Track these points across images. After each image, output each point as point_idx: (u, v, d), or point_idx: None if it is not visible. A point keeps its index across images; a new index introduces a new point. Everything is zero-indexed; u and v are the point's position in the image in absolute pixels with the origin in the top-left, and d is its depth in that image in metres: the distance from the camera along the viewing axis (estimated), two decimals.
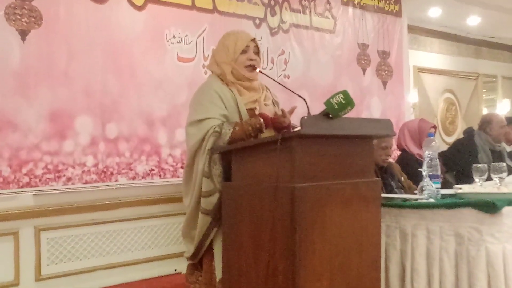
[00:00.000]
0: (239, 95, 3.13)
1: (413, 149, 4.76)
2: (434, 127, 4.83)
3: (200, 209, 2.99)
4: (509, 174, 3.92)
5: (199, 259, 3.12)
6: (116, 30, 4.58)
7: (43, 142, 4.18)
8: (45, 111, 4.19)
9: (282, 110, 3.13)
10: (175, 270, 4.82)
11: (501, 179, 3.54)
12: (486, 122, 5.41)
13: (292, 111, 3.14)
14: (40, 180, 4.16)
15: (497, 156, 5.18)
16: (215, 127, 2.97)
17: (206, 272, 3.06)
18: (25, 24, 4.13)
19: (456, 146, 5.52)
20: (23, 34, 4.12)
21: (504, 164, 3.63)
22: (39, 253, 4.24)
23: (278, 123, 3.11)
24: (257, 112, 3.13)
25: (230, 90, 3.13)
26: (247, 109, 3.12)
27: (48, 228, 4.28)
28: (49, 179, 4.20)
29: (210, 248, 3.04)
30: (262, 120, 3.02)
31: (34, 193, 4.16)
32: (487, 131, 5.33)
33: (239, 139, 2.96)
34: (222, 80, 3.17)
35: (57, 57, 4.27)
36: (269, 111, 3.14)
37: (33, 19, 4.16)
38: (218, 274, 2.98)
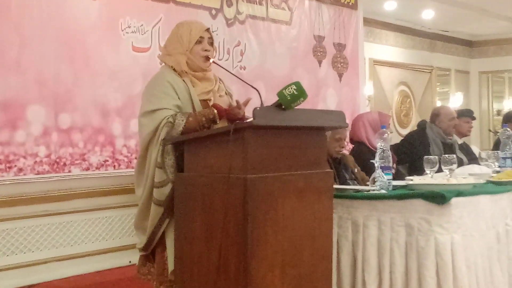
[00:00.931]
0: (192, 86, 3.11)
1: (362, 137, 4.77)
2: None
3: (153, 199, 2.97)
4: (459, 166, 4.01)
5: (152, 251, 3.11)
6: (70, 19, 4.53)
7: None
8: None
9: (237, 102, 3.12)
10: (130, 261, 4.78)
11: (451, 170, 3.61)
12: (435, 115, 5.50)
13: (246, 102, 3.13)
14: None
15: (448, 148, 5.27)
16: (168, 118, 2.95)
17: (159, 263, 3.04)
18: None
19: (409, 139, 5.60)
20: None
21: (454, 156, 3.71)
22: None
23: (232, 114, 3.10)
24: (211, 103, 3.12)
25: (183, 81, 3.11)
26: (200, 100, 3.11)
27: None
28: None
29: (162, 239, 3.03)
30: (215, 111, 3.01)
31: None
32: (436, 123, 5.42)
33: (193, 129, 2.94)
34: (175, 71, 3.15)
35: (7, 45, 4.19)
36: (223, 102, 3.13)
37: None
38: (171, 266, 2.97)
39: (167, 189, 2.94)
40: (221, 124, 3.08)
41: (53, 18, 4.42)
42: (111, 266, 4.77)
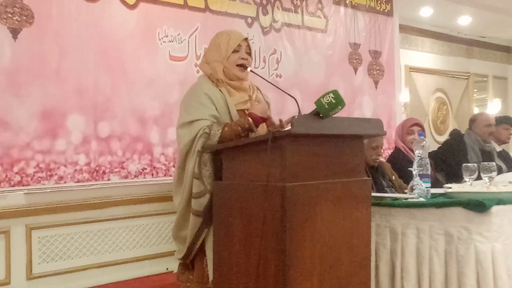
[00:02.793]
0: (229, 96, 3.13)
1: (398, 143, 4.82)
2: (417, 124, 4.85)
3: (191, 210, 2.99)
4: (498, 174, 3.95)
5: (191, 259, 3.13)
6: (108, 29, 4.59)
7: (35, 140, 4.18)
8: (36, 110, 4.19)
9: (280, 121, 3.10)
10: (167, 269, 4.83)
11: (490, 178, 3.56)
12: (472, 121, 5.47)
13: (288, 121, 3.09)
14: (31, 178, 4.16)
15: (487, 155, 5.20)
16: (204, 128, 2.96)
17: (198, 271, 3.06)
18: (16, 22, 4.13)
19: (446, 146, 5.54)
20: (15, 32, 4.12)
21: (494, 163, 3.65)
22: (30, 252, 4.25)
23: (270, 125, 3.11)
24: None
25: (220, 91, 3.13)
26: (237, 110, 3.12)
27: (40, 226, 4.29)
28: (40, 178, 4.20)
29: (202, 247, 3.04)
30: (251, 120, 3.00)
31: (25, 191, 4.17)
32: (472, 130, 5.37)
33: (228, 139, 2.95)
34: (212, 81, 3.17)
35: (48, 55, 4.27)
36: (259, 110, 3.12)
37: (24, 17, 4.16)
38: (211, 275, 2.98)
39: (204, 199, 2.96)
40: (261, 131, 3.08)
41: (91, 28, 4.49)
42: (148, 273, 4.81)
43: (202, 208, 2.96)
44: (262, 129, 3.12)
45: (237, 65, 3.18)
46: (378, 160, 4.26)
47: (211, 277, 2.98)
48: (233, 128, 2.99)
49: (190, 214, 3.02)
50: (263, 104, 3.18)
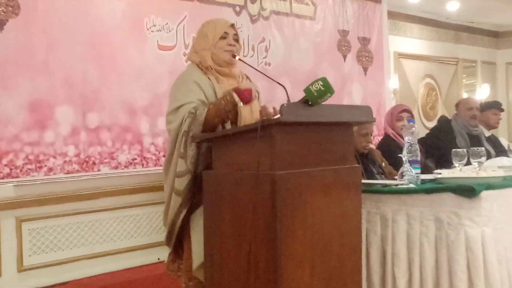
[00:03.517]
0: (217, 83, 3.12)
1: (388, 130, 4.85)
2: (406, 110, 4.87)
3: (174, 189, 3.00)
4: (487, 159, 3.97)
5: (181, 247, 3.13)
6: (96, 19, 4.57)
7: (23, 132, 4.16)
8: (24, 102, 4.17)
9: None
10: (158, 259, 4.83)
11: (480, 163, 3.57)
12: (456, 106, 5.57)
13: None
14: (21, 170, 4.15)
15: (475, 140, 5.22)
16: (190, 110, 2.96)
17: (187, 260, 3.06)
18: (2, 13, 4.10)
19: (434, 132, 5.57)
20: (1, 24, 4.10)
21: (483, 148, 3.66)
22: (20, 244, 4.23)
23: (265, 114, 3.08)
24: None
25: (209, 78, 3.12)
26: None
27: (30, 219, 4.27)
28: (30, 169, 4.19)
29: (190, 236, 3.05)
30: (234, 93, 2.96)
31: (15, 184, 4.15)
32: (458, 114, 5.42)
33: (214, 116, 2.94)
34: (201, 69, 3.16)
35: (36, 47, 4.24)
36: (247, 85, 3.02)
37: (10, 8, 4.13)
38: (195, 261, 2.98)
39: (185, 179, 2.96)
40: (248, 108, 3.05)
41: (79, 19, 4.46)
42: (140, 264, 4.81)
43: (182, 188, 2.97)
44: (246, 111, 3.05)
45: (225, 51, 3.17)
46: (368, 147, 4.27)
47: (195, 264, 2.98)
48: (216, 104, 2.98)
49: (172, 195, 3.02)
50: (252, 84, 3.13)
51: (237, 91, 2.97)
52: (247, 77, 3.36)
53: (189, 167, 2.95)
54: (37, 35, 4.25)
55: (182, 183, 2.97)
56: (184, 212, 3.01)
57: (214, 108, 2.97)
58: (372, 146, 4.51)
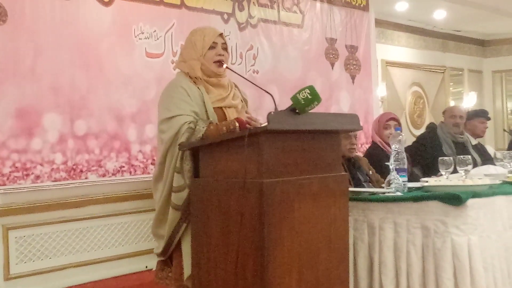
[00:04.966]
0: (206, 93, 3.13)
1: (375, 138, 4.86)
2: (394, 118, 4.89)
3: (171, 204, 3.00)
4: (474, 167, 3.99)
5: (169, 256, 3.13)
6: (84, 26, 4.55)
7: (10, 140, 4.13)
8: (11, 109, 4.14)
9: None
10: (146, 267, 4.80)
11: (466, 171, 3.60)
12: (442, 114, 5.62)
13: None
14: (7, 178, 4.12)
15: (461, 147, 5.26)
16: (189, 123, 2.97)
17: (176, 268, 3.06)
18: None
19: (420, 140, 5.61)
20: None
21: (470, 157, 3.69)
22: (7, 252, 4.20)
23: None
24: (227, 113, 3.14)
25: (198, 88, 3.13)
26: (214, 108, 3.12)
27: (17, 226, 4.24)
28: (17, 177, 4.16)
29: (179, 244, 3.05)
30: (237, 124, 3.01)
31: (1, 191, 4.12)
32: (444, 122, 5.48)
33: (213, 138, 2.95)
34: (190, 78, 3.17)
35: (23, 53, 4.22)
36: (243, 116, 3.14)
37: None
38: (186, 271, 2.99)
39: (184, 194, 2.97)
40: None
41: (66, 26, 4.45)
42: (128, 272, 4.78)
43: (181, 203, 2.98)
44: None
45: (214, 62, 3.18)
46: (354, 151, 4.27)
47: (186, 274, 2.98)
48: (218, 128, 3.00)
49: (169, 209, 3.02)
50: (256, 119, 3.18)
51: (240, 122, 3.02)
52: (236, 86, 3.37)
53: (187, 182, 2.97)
54: (24, 42, 4.23)
55: (180, 198, 2.99)
56: (184, 226, 3.02)
57: (214, 131, 2.99)
58: (360, 154, 4.52)
